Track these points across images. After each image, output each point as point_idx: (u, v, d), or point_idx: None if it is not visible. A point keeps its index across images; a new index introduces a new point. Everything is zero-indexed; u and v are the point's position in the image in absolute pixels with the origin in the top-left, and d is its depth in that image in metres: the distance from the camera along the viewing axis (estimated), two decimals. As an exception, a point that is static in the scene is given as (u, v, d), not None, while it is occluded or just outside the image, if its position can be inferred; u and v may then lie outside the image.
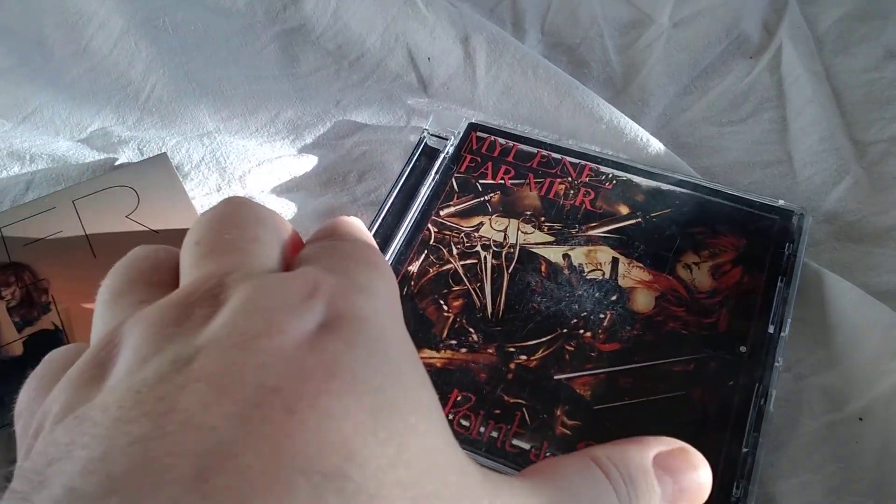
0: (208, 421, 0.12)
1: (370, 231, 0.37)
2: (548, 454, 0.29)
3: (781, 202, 0.36)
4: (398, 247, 0.36)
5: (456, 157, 0.40)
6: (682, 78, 0.43)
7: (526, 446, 0.30)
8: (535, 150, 0.39)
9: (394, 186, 0.39)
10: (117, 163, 0.41)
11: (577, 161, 0.39)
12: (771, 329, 0.32)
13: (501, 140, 0.40)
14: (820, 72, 0.42)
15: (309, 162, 0.42)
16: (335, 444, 0.12)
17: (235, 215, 0.17)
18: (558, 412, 0.30)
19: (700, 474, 0.21)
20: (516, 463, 0.29)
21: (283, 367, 0.13)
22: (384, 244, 0.37)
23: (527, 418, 0.30)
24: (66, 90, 0.44)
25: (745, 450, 0.29)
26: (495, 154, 0.40)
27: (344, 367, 0.13)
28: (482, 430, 0.30)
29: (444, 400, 0.31)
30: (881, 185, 0.38)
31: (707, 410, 0.30)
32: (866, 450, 0.30)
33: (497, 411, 0.31)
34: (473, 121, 0.41)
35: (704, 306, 0.33)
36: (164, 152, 0.40)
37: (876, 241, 0.36)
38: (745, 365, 0.31)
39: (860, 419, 0.30)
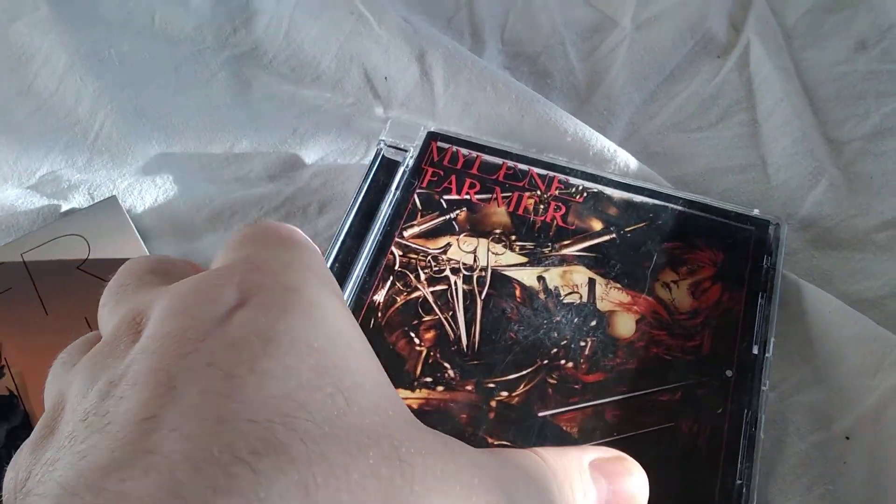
0: (147, 412, 0.12)
1: (329, 258, 0.33)
2: (537, 501, 0.27)
3: (756, 211, 0.35)
4: (360, 273, 0.33)
5: (416, 171, 0.37)
6: (647, 83, 0.42)
7: (514, 493, 0.28)
8: (499, 160, 0.37)
9: (351, 206, 0.35)
10: (66, 209, 0.39)
11: (545, 172, 0.37)
12: (755, 350, 0.31)
13: (464, 150, 0.37)
14: (790, 68, 0.40)
15: (266, 196, 0.39)
16: (281, 397, 0.13)
17: (137, 267, 0.18)
18: (545, 453, 0.28)
19: (634, 479, 0.22)
20: (505, 513, 0.27)
21: (211, 346, 0.13)
22: (344, 271, 0.33)
23: (512, 462, 0.28)
24: (12, 133, 0.41)
25: (738, 482, 0.28)
26: (458, 166, 0.37)
27: (280, 332, 0.14)
28: (466, 478, 0.28)
29: (422, 446, 0.28)
30: (858, 186, 0.37)
31: (697, 442, 0.29)
32: (854, 470, 0.29)
33: (480, 456, 0.28)
34: (433, 129, 0.38)
35: (687, 328, 0.32)
36: (114, 195, 0.39)
37: (855, 245, 0.35)
38: (733, 390, 0.30)
39: (847, 438, 0.30)
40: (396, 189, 0.36)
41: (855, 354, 0.31)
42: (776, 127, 0.39)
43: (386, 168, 0.37)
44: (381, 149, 0.38)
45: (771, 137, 0.39)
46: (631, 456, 0.28)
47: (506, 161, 0.37)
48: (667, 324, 0.32)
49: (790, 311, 0.33)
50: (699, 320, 0.32)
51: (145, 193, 0.39)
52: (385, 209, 0.35)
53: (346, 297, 0.32)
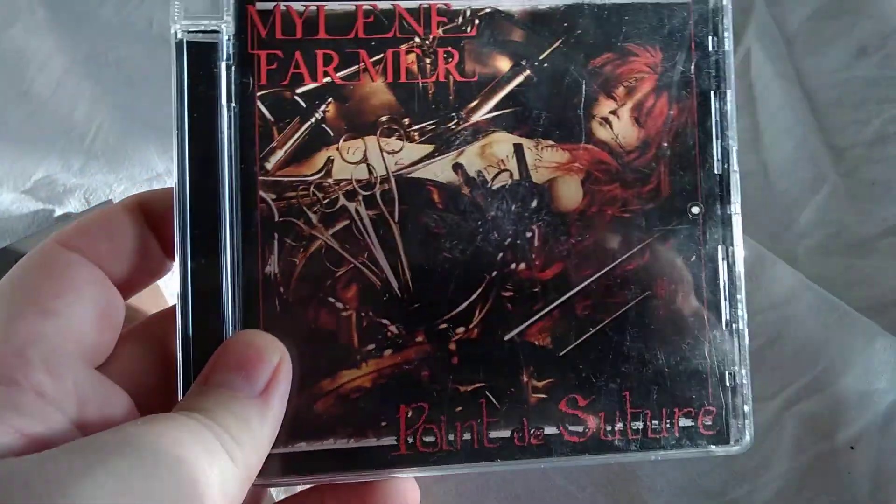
0: None
1: (177, 235, 0.25)
2: (532, 430, 0.25)
3: (687, -25, 0.27)
4: (231, 244, 0.25)
5: (245, 62, 0.26)
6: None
7: (506, 433, 0.25)
8: (351, 5, 0.26)
9: (177, 147, 0.25)
10: (59, 213, 0.40)
11: (415, 5, 0.26)
12: (718, 169, 0.26)
13: (297, 6, 0.26)
14: (791, 74, 0.39)
15: None
16: None
17: None
18: (525, 378, 0.26)
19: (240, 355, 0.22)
20: (503, 458, 0.25)
21: None
22: (206, 247, 0.25)
23: (494, 401, 0.25)
24: (8, 137, 0.42)
25: (728, 328, 0.26)
26: (298, 35, 0.26)
27: None
28: (451, 437, 0.25)
29: (393, 422, 0.25)
30: (860, 193, 0.35)
31: (677, 302, 0.26)
32: (858, 481, 0.28)
33: (458, 409, 0.25)
34: (237, -18, 0.26)
35: (639, 171, 0.26)
36: (109, 199, 0.40)
37: (858, 252, 0.34)
38: (703, 229, 0.26)
39: (851, 448, 0.29)
40: (229, 100, 0.26)
41: (859, 360, 0.29)
42: (777, 133, 0.37)
43: (200, 72, 0.26)
44: (180, 36, 0.26)
45: (772, 144, 0.37)
46: (615, 345, 0.25)
47: (360, 3, 0.26)
48: (616, 173, 0.26)
49: (792, 315, 0.31)
50: (650, 153, 0.27)
51: None
52: (225, 137, 0.25)
53: (227, 281, 0.25)
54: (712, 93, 0.27)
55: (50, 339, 0.21)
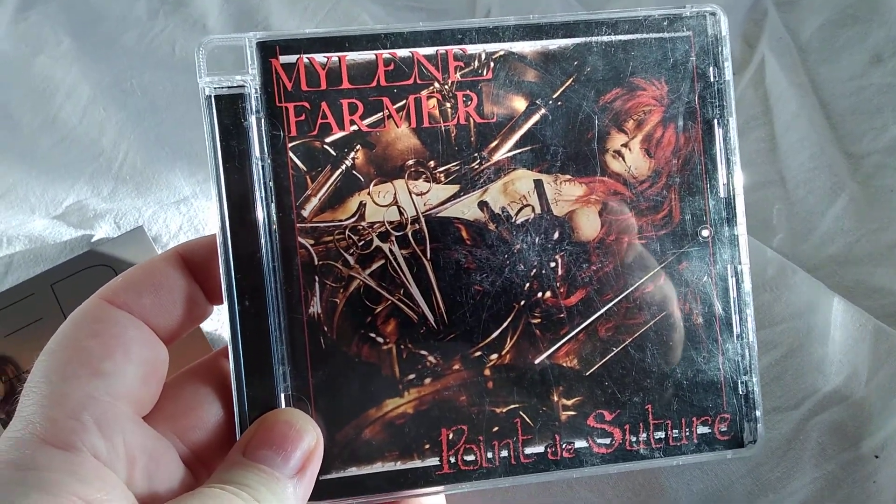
0: None
1: (224, 284, 0.26)
2: (564, 444, 0.28)
3: (689, 6, 0.29)
4: (276, 288, 0.27)
5: (273, 114, 0.27)
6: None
7: (540, 448, 0.28)
8: (371, 54, 0.28)
9: (217, 201, 0.27)
10: (94, 238, 0.41)
11: (432, 51, 0.28)
12: (724, 193, 0.28)
13: (320, 57, 0.27)
14: (805, 83, 0.39)
15: None
16: None
17: None
18: (555, 398, 0.28)
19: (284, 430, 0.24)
20: (538, 470, 0.27)
21: None
22: (254, 295, 0.26)
23: (528, 420, 0.27)
24: (38, 165, 0.43)
25: (739, 340, 0.28)
26: (323, 86, 0.27)
27: None
28: (490, 455, 0.27)
29: (435, 444, 0.27)
30: (877, 200, 0.35)
31: (692, 320, 0.28)
32: (884, 489, 0.29)
33: (495, 428, 0.27)
34: (261, 38, 0.27)
35: (651, 199, 0.28)
36: (141, 226, 0.40)
37: (878, 260, 0.34)
38: (713, 249, 0.28)
39: (876, 456, 0.29)
40: (262, 152, 0.27)
41: (882, 369, 0.29)
42: (794, 142, 0.38)
43: (230, 126, 0.27)
44: (208, 92, 0.27)
45: (789, 153, 0.37)
46: (637, 363, 0.27)
47: (379, 52, 0.28)
48: (630, 202, 0.28)
49: (810, 325, 0.32)
50: (661, 182, 0.28)
51: (170, 221, 0.41)
52: (259, 188, 0.27)
53: (273, 325, 0.27)
54: (716, 121, 0.28)
55: (101, 400, 0.22)
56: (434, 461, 0.27)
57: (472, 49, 0.28)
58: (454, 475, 0.27)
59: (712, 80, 0.29)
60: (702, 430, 0.28)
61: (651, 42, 0.28)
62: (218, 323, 0.44)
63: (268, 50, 0.27)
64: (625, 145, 0.28)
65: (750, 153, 0.38)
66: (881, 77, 0.40)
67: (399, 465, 0.27)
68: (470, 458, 0.27)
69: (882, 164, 0.38)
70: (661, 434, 0.28)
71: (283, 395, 0.26)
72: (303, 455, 0.24)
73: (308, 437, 0.24)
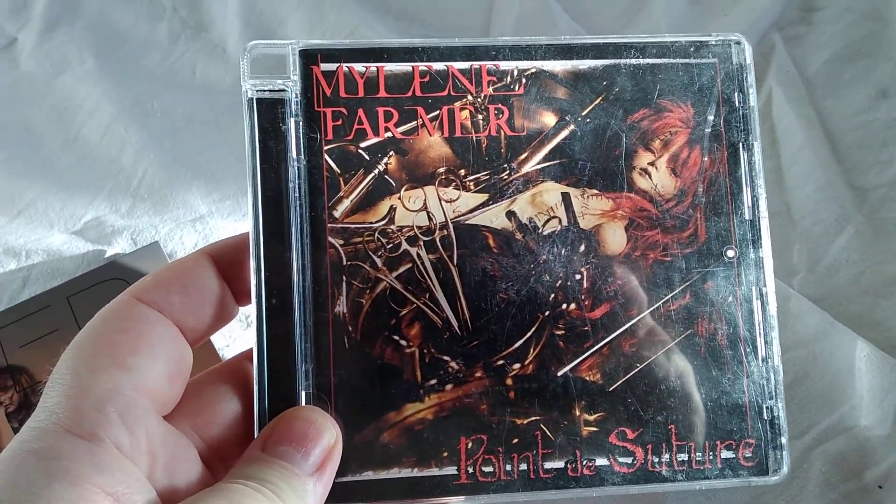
0: None
1: (253, 280, 0.27)
2: (585, 461, 0.27)
3: (714, 34, 0.30)
4: (304, 285, 0.27)
5: (311, 118, 0.28)
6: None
7: (560, 464, 0.27)
8: (408, 66, 0.29)
9: (252, 198, 0.27)
10: (109, 254, 0.42)
11: (466, 66, 0.29)
12: (749, 215, 0.29)
13: (359, 67, 0.28)
14: (812, 116, 0.39)
15: None
16: None
17: None
18: (577, 412, 0.27)
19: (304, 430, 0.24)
20: (558, 487, 0.27)
21: None
22: (281, 290, 0.27)
23: (549, 434, 0.27)
24: (58, 181, 0.44)
25: (765, 364, 0.28)
26: (360, 93, 0.28)
27: None
28: (508, 468, 0.27)
29: (454, 453, 0.26)
30: (883, 233, 0.36)
31: (717, 339, 0.28)
32: None
33: (515, 440, 0.27)
34: (304, 46, 0.29)
35: (677, 217, 0.29)
36: (157, 241, 0.41)
37: (883, 292, 0.34)
38: (737, 272, 0.28)
39: (880, 487, 0.29)
40: (298, 153, 0.28)
41: (887, 400, 0.30)
42: (800, 174, 0.38)
43: (269, 129, 0.28)
44: (250, 95, 0.28)
45: (795, 185, 0.38)
46: (660, 380, 0.27)
47: (416, 64, 0.29)
48: (657, 220, 0.29)
49: (816, 355, 0.32)
50: (687, 201, 0.29)
51: (186, 238, 0.42)
52: (294, 188, 0.27)
53: (299, 322, 0.27)
54: (741, 144, 0.29)
55: (126, 394, 0.22)
56: (451, 470, 0.26)
57: (504, 65, 0.29)
58: (471, 486, 0.26)
59: (737, 105, 0.29)
60: (726, 454, 0.28)
61: (678, 66, 0.29)
62: (230, 339, 0.44)
63: (310, 57, 0.28)
64: (651, 164, 0.29)
65: (757, 183, 0.40)
66: (887, 111, 0.41)
67: (416, 472, 0.26)
68: (488, 469, 0.27)
69: (888, 196, 0.38)
70: (683, 456, 0.27)
71: (303, 393, 0.26)
72: (322, 452, 0.24)
73: (328, 435, 0.24)
